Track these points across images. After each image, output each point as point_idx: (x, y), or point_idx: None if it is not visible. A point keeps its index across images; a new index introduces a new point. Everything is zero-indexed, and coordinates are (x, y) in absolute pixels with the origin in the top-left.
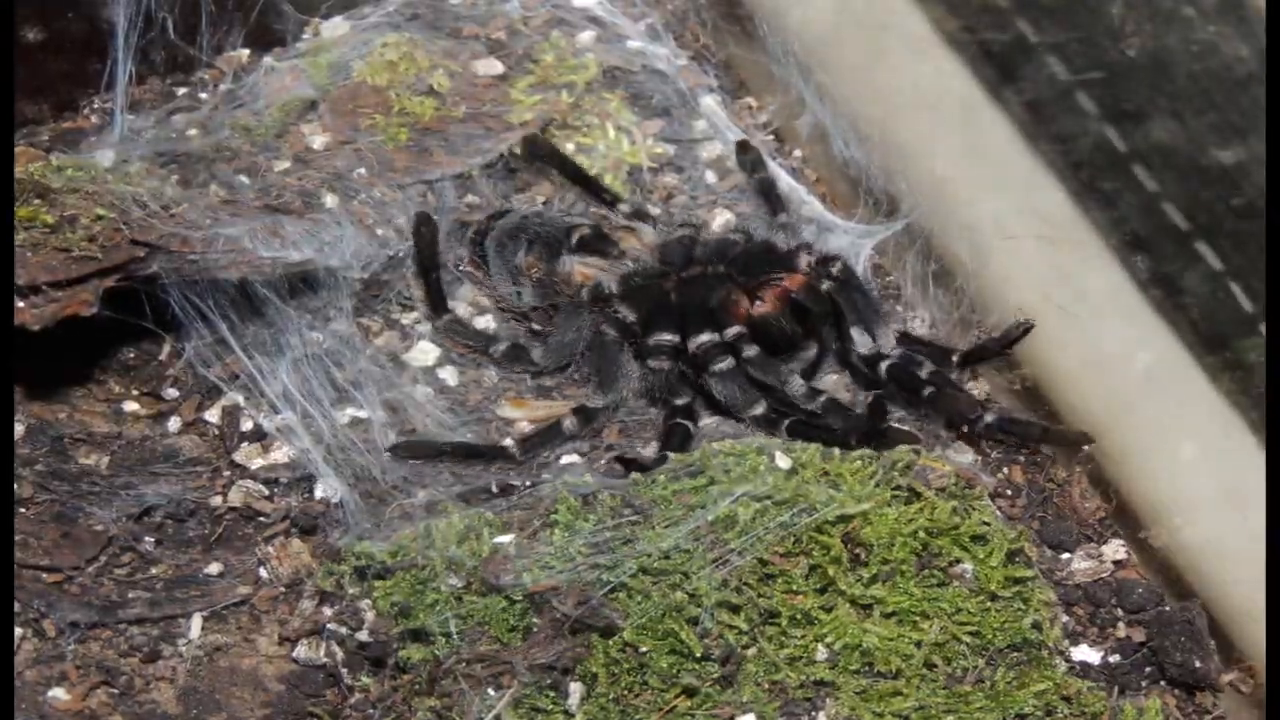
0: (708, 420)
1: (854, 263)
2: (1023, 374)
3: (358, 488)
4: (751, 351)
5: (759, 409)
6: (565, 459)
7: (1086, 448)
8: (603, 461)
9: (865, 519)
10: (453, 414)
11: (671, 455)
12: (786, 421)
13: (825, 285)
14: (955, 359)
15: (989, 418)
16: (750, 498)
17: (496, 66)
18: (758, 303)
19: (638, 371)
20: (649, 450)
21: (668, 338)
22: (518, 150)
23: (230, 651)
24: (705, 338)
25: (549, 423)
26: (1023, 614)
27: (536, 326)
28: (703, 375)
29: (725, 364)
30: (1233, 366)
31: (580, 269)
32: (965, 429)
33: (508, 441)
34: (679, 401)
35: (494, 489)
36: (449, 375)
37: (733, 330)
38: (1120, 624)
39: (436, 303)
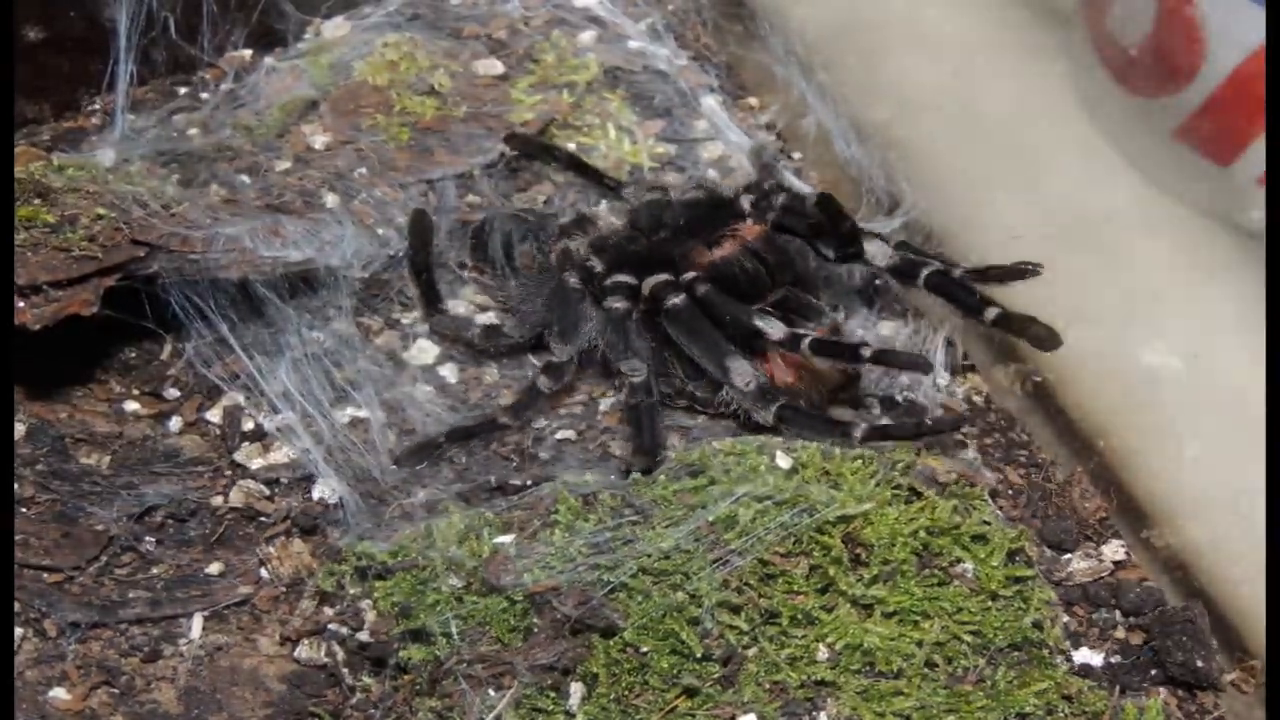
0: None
1: None
2: (1027, 373)
3: (358, 488)
4: (704, 289)
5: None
6: (560, 434)
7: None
8: (598, 442)
9: (866, 519)
10: (453, 412)
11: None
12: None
13: (778, 216)
14: (958, 273)
15: (991, 313)
16: (751, 498)
17: (497, 66)
18: (715, 249)
19: (600, 321)
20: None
21: (624, 278)
22: (507, 151)
23: (231, 651)
24: (660, 278)
25: (526, 386)
26: (1023, 613)
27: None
28: (658, 319)
29: (679, 299)
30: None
31: (559, 248)
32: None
33: (503, 419)
34: (635, 378)
35: (493, 483)
36: (449, 373)
37: (689, 275)
38: (1120, 624)
39: (430, 299)
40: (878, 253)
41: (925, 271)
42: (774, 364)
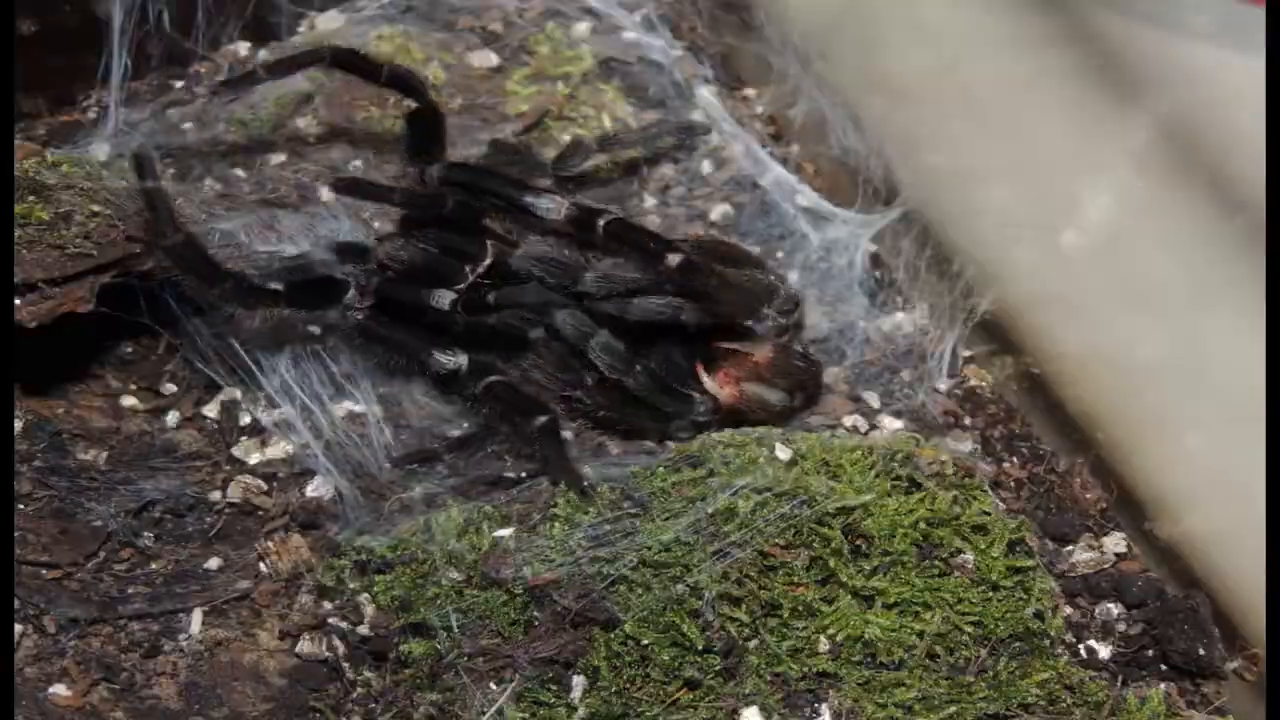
0: None
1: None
2: (1024, 363)
3: (356, 482)
4: (376, 280)
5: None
6: None
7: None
8: (596, 442)
9: (866, 510)
10: (449, 404)
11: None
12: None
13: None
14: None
15: (674, 259)
16: (751, 489)
17: (492, 58)
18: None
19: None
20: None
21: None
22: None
23: (231, 646)
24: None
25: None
26: (1024, 603)
27: None
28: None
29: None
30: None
31: None
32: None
33: (505, 428)
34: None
35: (489, 477)
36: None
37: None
38: (1121, 616)
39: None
40: (551, 207)
41: (603, 220)
42: (717, 388)
